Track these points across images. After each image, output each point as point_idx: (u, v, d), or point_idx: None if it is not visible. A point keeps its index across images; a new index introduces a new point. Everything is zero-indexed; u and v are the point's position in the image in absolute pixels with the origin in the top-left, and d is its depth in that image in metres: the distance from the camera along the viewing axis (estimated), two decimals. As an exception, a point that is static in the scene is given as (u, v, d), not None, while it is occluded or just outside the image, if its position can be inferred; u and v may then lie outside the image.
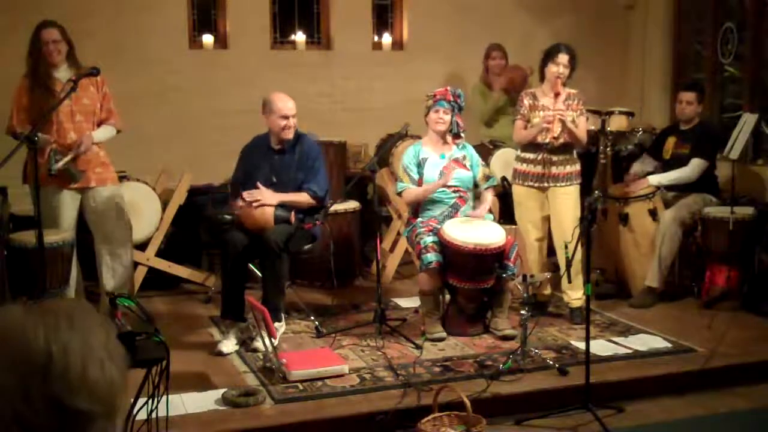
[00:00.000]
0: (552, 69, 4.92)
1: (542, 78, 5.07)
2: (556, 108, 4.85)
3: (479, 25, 7.23)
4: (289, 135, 4.80)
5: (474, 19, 7.24)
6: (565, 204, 4.96)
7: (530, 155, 5.01)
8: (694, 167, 5.49)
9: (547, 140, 4.90)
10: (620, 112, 6.21)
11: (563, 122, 4.84)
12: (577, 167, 5.07)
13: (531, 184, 5.03)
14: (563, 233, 4.78)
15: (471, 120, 6.09)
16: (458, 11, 7.21)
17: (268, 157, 4.85)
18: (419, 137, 5.50)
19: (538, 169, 4.99)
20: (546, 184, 5.00)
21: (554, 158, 4.96)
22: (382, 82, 7.03)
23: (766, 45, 6.48)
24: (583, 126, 5.02)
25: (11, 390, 1.01)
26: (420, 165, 4.88)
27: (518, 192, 5.12)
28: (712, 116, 6.79)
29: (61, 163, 4.62)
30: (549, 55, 4.96)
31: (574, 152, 5.09)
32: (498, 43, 6.72)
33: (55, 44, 4.73)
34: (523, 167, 5.06)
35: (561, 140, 4.91)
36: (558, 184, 4.98)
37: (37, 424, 1.02)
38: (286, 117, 4.76)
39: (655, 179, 5.53)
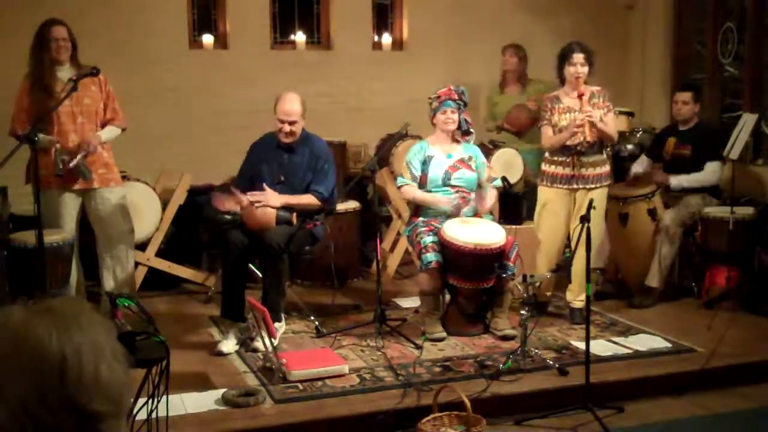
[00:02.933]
0: (570, 70, 4.89)
1: (561, 81, 5.03)
2: (584, 110, 4.79)
3: (479, 24, 7.23)
4: (287, 140, 4.72)
5: (474, 19, 7.24)
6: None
7: (560, 157, 4.95)
8: (713, 171, 5.48)
9: (577, 143, 4.83)
10: (620, 112, 6.21)
11: (593, 123, 4.79)
12: (607, 168, 5.01)
13: (560, 186, 4.96)
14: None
15: (477, 119, 6.09)
16: (458, 11, 7.21)
17: (276, 155, 4.79)
18: (419, 137, 5.50)
19: (568, 170, 4.93)
20: (575, 186, 4.94)
21: (584, 159, 4.91)
22: (382, 82, 7.03)
23: (766, 45, 6.48)
24: (611, 122, 4.97)
25: (28, 394, 1.02)
26: (425, 162, 4.86)
27: (545, 193, 5.04)
28: (712, 116, 6.79)
29: (73, 163, 4.62)
30: (564, 57, 4.92)
31: (604, 152, 5.03)
32: (513, 43, 6.68)
33: (64, 42, 4.74)
34: (552, 169, 4.99)
35: (590, 140, 4.85)
36: (588, 186, 4.92)
37: (53, 427, 1.02)
38: (282, 122, 4.69)
39: (676, 180, 5.50)
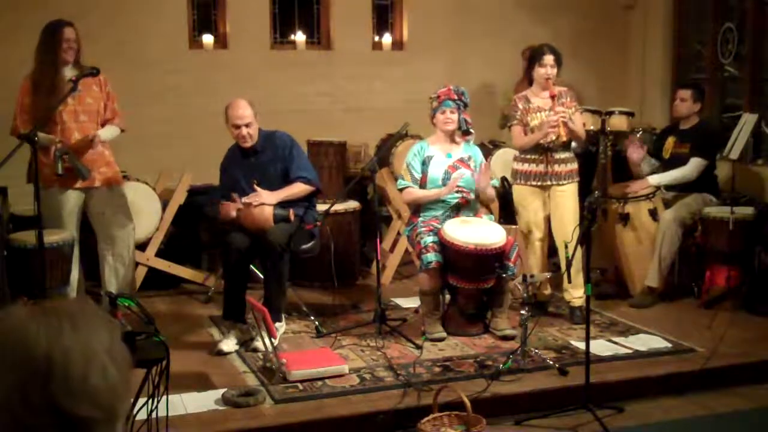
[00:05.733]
0: (540, 71, 4.98)
1: (530, 81, 5.15)
2: (557, 111, 4.86)
3: (479, 25, 7.24)
4: (245, 143, 4.74)
5: (474, 19, 7.24)
6: (567, 202, 4.97)
7: (532, 155, 5.02)
8: (693, 166, 5.49)
9: (549, 141, 4.89)
10: (620, 112, 6.20)
11: (565, 123, 4.86)
12: (576, 165, 5.10)
13: (534, 183, 5.03)
14: (565, 232, 4.77)
15: (477, 119, 6.07)
16: (458, 11, 7.21)
17: (244, 162, 4.83)
18: (419, 137, 5.50)
19: (541, 168, 5.00)
20: (548, 183, 5.00)
21: (556, 156, 4.98)
22: (382, 82, 7.03)
23: (766, 45, 6.48)
24: (579, 121, 5.06)
25: (11, 394, 1.00)
26: (425, 163, 4.87)
27: (520, 192, 5.11)
28: (712, 116, 6.80)
29: (65, 164, 4.61)
30: (535, 59, 5.03)
31: (572, 150, 5.11)
32: (533, 45, 6.63)
33: (74, 43, 4.78)
34: (525, 167, 5.06)
35: (564, 140, 4.93)
36: (560, 182, 5.00)
37: (36, 429, 1.01)
38: (238, 126, 4.71)
39: (655, 179, 5.54)
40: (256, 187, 4.70)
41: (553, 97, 4.93)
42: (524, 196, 5.09)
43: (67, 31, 4.75)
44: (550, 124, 4.86)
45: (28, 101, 4.72)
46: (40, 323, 1.04)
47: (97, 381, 1.04)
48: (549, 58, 4.94)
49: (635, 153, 5.58)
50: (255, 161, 4.82)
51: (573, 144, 5.20)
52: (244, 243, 4.62)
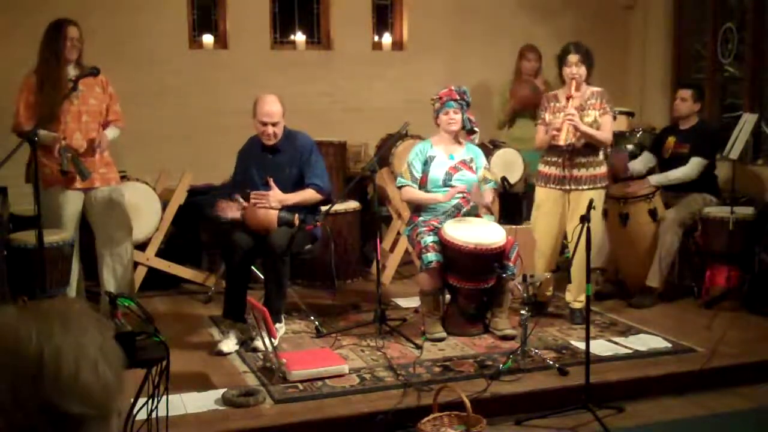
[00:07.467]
0: (566, 71, 4.89)
1: (563, 81, 5.04)
2: (567, 113, 4.78)
3: (479, 25, 7.24)
4: (269, 141, 4.73)
5: (474, 19, 7.24)
6: (584, 206, 4.89)
7: (553, 157, 4.95)
8: (693, 166, 5.49)
9: (567, 143, 4.81)
10: (620, 112, 6.20)
11: (575, 126, 4.77)
12: (603, 169, 4.96)
13: (552, 186, 4.96)
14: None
15: (477, 119, 6.06)
16: (458, 11, 7.21)
17: (262, 157, 4.81)
18: (419, 137, 5.50)
19: (559, 171, 4.93)
20: (567, 187, 4.92)
21: (576, 160, 4.89)
22: (382, 82, 7.03)
23: (766, 45, 6.48)
24: (606, 125, 4.91)
25: (2, 393, 1.01)
26: (426, 163, 4.86)
27: (539, 194, 5.05)
28: (712, 116, 6.80)
29: (69, 162, 4.61)
30: (561, 58, 4.93)
31: (600, 153, 4.98)
32: (531, 44, 6.62)
33: (77, 42, 4.79)
34: (546, 169, 5.00)
35: (582, 142, 4.84)
36: (581, 187, 4.89)
37: (28, 428, 1.01)
38: (265, 124, 4.69)
39: (655, 179, 5.53)
40: (271, 182, 4.69)
41: (568, 98, 4.84)
42: (542, 198, 5.03)
43: (71, 29, 4.77)
44: (554, 126, 4.82)
45: (33, 99, 4.71)
46: (31, 324, 1.04)
47: (88, 378, 1.04)
48: (574, 57, 4.85)
49: (617, 160, 5.57)
50: (273, 159, 4.80)
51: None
52: (247, 243, 4.61)
